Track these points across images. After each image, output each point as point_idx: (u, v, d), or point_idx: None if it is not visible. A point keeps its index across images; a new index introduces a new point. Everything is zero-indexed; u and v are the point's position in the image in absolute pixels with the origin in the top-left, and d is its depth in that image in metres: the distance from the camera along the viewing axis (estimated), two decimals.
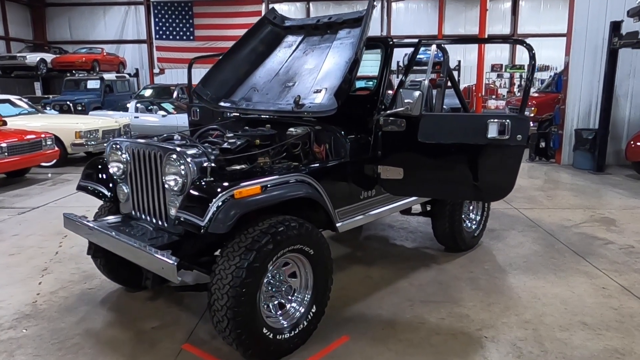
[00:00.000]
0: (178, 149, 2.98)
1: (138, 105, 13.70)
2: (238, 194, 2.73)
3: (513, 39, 3.52)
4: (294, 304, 3.13)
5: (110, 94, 17.74)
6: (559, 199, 7.36)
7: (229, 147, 3.29)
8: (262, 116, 4.17)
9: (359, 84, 11.68)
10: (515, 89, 21.33)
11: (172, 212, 3.02)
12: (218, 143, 3.45)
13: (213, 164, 2.95)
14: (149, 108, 13.59)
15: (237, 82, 4.48)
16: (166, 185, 3.03)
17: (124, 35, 25.83)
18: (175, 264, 2.63)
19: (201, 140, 3.59)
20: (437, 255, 4.89)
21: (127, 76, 20.15)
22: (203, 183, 2.83)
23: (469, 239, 4.98)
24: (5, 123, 8.79)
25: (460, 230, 4.79)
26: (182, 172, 2.92)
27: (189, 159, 2.92)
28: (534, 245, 5.24)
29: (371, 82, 13.07)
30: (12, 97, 11.76)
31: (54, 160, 10.06)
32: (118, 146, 3.46)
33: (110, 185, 3.61)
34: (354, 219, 3.67)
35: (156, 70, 25.31)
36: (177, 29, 24.22)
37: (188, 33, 24.18)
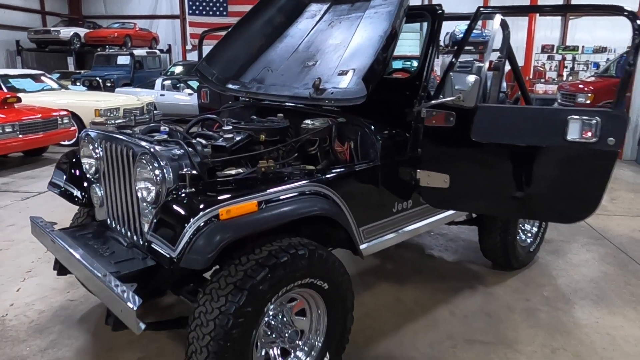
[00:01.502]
0: (153, 147, 2.27)
1: (164, 82, 13.15)
2: (224, 214, 2.01)
3: (608, 6, 2.60)
4: (299, 353, 2.41)
5: (140, 71, 17.31)
6: (625, 203, 6.33)
7: (224, 144, 2.55)
8: (275, 102, 3.41)
9: (395, 64, 10.60)
10: (565, 73, 19.74)
11: (146, 227, 2.32)
12: (213, 138, 2.72)
13: (195, 170, 2.23)
14: (177, 86, 13.03)
15: (249, 59, 3.73)
16: (138, 194, 2.33)
17: (157, 11, 25.36)
18: (135, 308, 1.94)
19: (195, 133, 2.86)
20: (484, 274, 4.06)
21: (157, 52, 19.70)
22: (180, 196, 2.11)
23: (524, 255, 4.12)
24: (19, 100, 8.35)
25: (514, 245, 3.94)
26: (156, 179, 2.21)
27: (163, 162, 2.20)
28: (603, 264, 4.33)
29: (409, 63, 12.00)
30: (35, 72, 11.40)
31: (74, 139, 9.63)
32: (91, 138, 2.79)
33: (85, 185, 2.95)
34: (384, 239, 2.89)
35: (189, 47, 24.77)
36: (211, 4, 23.54)
37: (222, 8, 23.48)
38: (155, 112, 11.58)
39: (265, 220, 2.12)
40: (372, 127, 2.83)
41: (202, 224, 1.97)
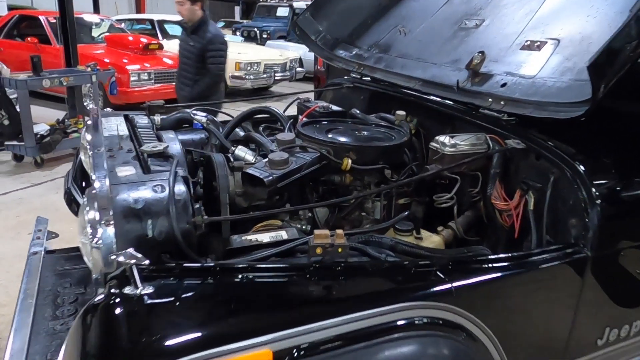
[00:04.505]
0: (97, 186, 1.10)
1: None
2: None
3: None
4: None
5: None
6: None
7: (264, 174, 1.30)
8: (401, 89, 2.01)
9: None
10: None
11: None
12: (264, 151, 1.50)
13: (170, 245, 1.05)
14: None
15: (373, 13, 2.36)
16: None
17: None
18: None
19: (244, 135, 1.66)
20: None
21: None
22: (114, 306, 0.94)
23: None
24: (161, 47, 8.08)
25: None
26: (89, 246, 1.07)
27: (100, 230, 1.03)
28: None
29: None
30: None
31: None
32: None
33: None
34: None
35: None
36: None
37: None
38: (298, 69, 10.85)
39: None
40: (585, 168, 1.31)
41: None
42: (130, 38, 8.23)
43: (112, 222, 1.03)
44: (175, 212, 1.08)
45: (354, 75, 2.28)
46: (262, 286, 1.04)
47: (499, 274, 1.16)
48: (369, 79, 2.21)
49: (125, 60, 7.29)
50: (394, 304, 1.02)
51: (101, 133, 1.44)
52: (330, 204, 1.42)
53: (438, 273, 1.11)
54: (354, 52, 2.31)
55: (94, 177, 1.12)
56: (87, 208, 1.07)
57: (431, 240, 1.31)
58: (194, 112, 1.71)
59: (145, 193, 1.11)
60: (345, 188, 1.51)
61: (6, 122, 4.94)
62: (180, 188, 1.14)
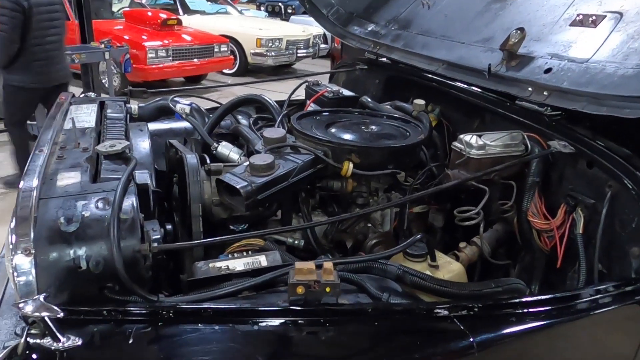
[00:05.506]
0: (20, 201, 0.87)
1: None
2: None
3: None
4: None
5: None
6: None
7: (243, 184, 1.04)
8: (424, 73, 1.71)
9: None
10: None
11: None
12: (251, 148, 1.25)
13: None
14: None
15: None
16: None
17: None
18: None
19: (233, 126, 1.41)
20: None
21: None
22: None
23: None
24: (180, 22, 7.84)
25: None
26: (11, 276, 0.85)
27: (17, 258, 0.80)
28: None
29: None
30: None
31: (233, 69, 9.05)
32: None
33: None
34: None
35: None
36: None
37: None
38: (322, 45, 10.50)
39: None
40: None
41: None
42: (149, 13, 8.02)
43: (32, 251, 0.80)
44: (118, 236, 0.84)
45: (369, 56, 1.99)
46: (222, 337, 0.80)
47: (538, 323, 0.88)
48: (385, 59, 1.92)
49: (144, 37, 7.10)
50: None
51: (57, 126, 1.21)
52: (326, 222, 1.16)
53: (456, 322, 0.85)
54: (369, 29, 2.01)
55: (20, 186, 0.89)
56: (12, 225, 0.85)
57: (449, 269, 1.04)
58: (176, 99, 1.46)
59: (82, 210, 0.87)
60: (348, 195, 1.25)
61: None
62: (129, 203, 0.90)
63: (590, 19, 1.30)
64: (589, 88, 1.11)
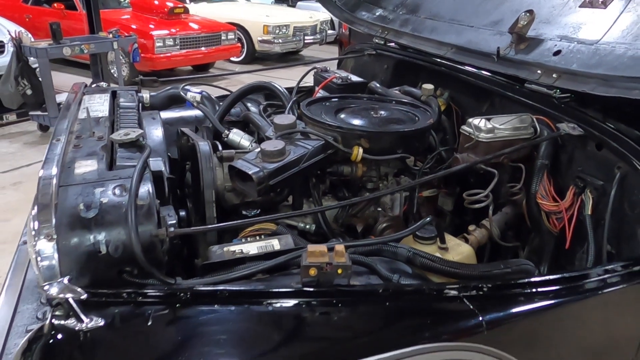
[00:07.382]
0: (40, 188, 0.90)
1: None
2: None
3: None
4: None
5: None
6: None
7: (253, 169, 1.06)
8: (433, 58, 1.71)
9: None
10: None
11: None
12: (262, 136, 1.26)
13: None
14: None
15: None
16: None
17: None
18: None
19: (243, 113, 1.43)
20: None
21: None
22: None
23: None
24: (187, 10, 7.82)
25: None
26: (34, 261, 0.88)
27: (40, 244, 0.83)
28: None
29: None
30: None
31: (240, 57, 9.03)
32: None
33: None
34: None
35: None
36: None
37: None
38: (329, 32, 10.44)
39: None
40: None
41: None
42: (156, 2, 8.00)
43: (54, 236, 0.83)
44: (136, 221, 0.86)
45: (377, 41, 1.99)
46: (238, 318, 0.83)
47: (547, 303, 0.90)
48: (393, 45, 1.91)
49: (151, 26, 7.10)
50: (405, 346, 0.79)
51: (72, 115, 1.24)
52: (336, 207, 1.18)
53: (465, 301, 0.87)
54: (377, 14, 2.00)
55: (40, 174, 0.92)
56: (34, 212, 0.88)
57: (459, 250, 1.05)
58: (186, 87, 1.48)
59: (101, 196, 0.90)
60: (358, 180, 1.27)
61: (29, 92, 4.87)
62: (145, 189, 0.92)
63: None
64: (599, 70, 1.11)
